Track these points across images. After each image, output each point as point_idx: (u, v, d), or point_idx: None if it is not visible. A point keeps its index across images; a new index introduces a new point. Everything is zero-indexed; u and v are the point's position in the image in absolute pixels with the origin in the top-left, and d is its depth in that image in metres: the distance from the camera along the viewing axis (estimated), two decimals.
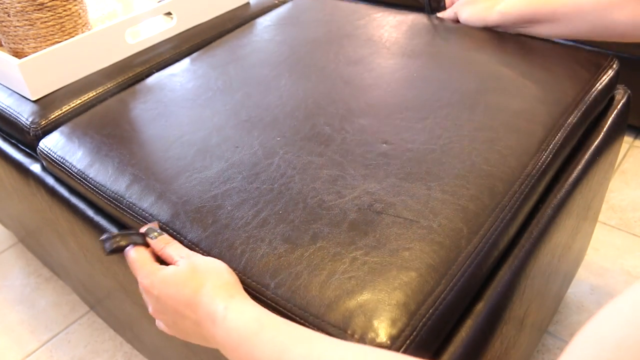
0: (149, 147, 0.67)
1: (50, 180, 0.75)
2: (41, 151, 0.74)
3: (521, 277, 0.56)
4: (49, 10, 0.85)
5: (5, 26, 0.85)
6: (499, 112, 0.65)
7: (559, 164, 0.64)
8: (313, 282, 0.48)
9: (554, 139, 0.62)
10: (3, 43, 0.90)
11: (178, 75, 0.83)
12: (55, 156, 0.72)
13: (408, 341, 0.44)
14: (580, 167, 0.67)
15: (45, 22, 0.85)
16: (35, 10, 0.83)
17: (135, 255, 0.53)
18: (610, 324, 0.27)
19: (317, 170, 0.59)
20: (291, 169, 0.60)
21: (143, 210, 0.60)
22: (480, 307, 0.51)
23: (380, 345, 0.43)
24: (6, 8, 0.83)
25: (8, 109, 0.84)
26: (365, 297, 0.46)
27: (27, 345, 1.08)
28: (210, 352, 0.61)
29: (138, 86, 0.82)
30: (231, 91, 0.76)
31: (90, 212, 0.69)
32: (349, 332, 0.44)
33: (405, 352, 0.44)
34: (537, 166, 0.59)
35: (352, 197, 0.55)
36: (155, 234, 0.55)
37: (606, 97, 0.74)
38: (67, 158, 0.70)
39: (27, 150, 0.83)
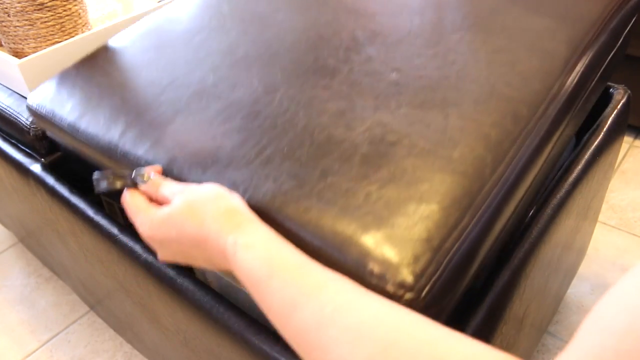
0: (141, 93, 0.64)
1: (50, 180, 0.75)
2: (29, 107, 0.71)
3: (521, 276, 0.56)
4: (49, 10, 0.85)
5: (5, 26, 0.85)
6: (517, 32, 0.61)
7: (588, 87, 0.59)
8: (324, 218, 0.45)
9: (581, 58, 0.57)
10: (3, 43, 0.90)
11: (168, 18, 0.78)
12: (44, 111, 0.68)
13: (433, 279, 0.41)
14: (580, 167, 0.67)
15: (45, 22, 0.85)
16: (35, 10, 0.83)
17: (130, 200, 0.49)
18: (613, 311, 0.26)
19: (323, 104, 0.55)
20: (295, 104, 0.56)
21: (138, 158, 0.57)
22: (480, 307, 0.51)
23: (403, 285, 0.40)
24: (6, 8, 0.83)
25: (8, 109, 0.84)
26: (383, 233, 0.43)
27: (27, 345, 1.08)
28: (212, 352, 0.61)
29: (126, 32, 0.78)
30: (225, 30, 0.71)
31: (90, 212, 0.69)
32: (367, 269, 0.41)
33: (429, 292, 0.41)
34: (564, 88, 0.55)
35: (362, 130, 0.51)
36: (145, 176, 0.50)
37: (637, 11, 0.68)
38: (56, 111, 0.67)
39: (27, 150, 0.83)
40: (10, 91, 0.87)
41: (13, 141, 0.86)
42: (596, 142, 0.70)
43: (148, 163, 0.56)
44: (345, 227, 0.43)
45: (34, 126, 0.80)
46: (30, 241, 1.14)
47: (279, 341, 0.49)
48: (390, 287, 0.40)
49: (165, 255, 0.47)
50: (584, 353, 0.26)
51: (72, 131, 0.64)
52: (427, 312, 0.40)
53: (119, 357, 1.04)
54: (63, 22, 0.87)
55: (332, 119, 0.53)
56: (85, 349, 1.06)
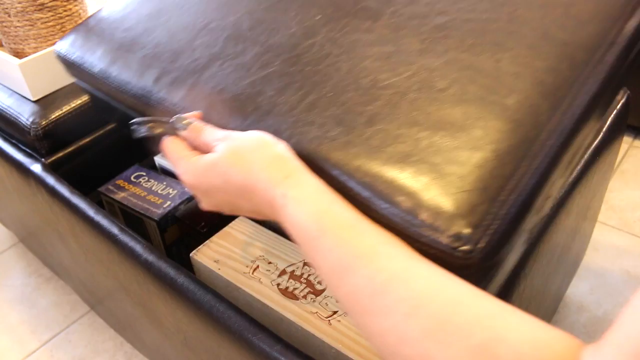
0: (174, 38, 0.61)
1: (50, 181, 0.76)
2: (58, 54, 0.69)
3: (520, 277, 0.56)
4: (49, 11, 0.85)
5: (5, 26, 0.86)
6: None
7: None
8: (373, 166, 0.43)
9: None
10: (4, 43, 0.90)
11: None
12: (73, 57, 0.66)
13: (489, 231, 0.39)
14: (579, 167, 0.67)
15: (46, 22, 0.85)
16: (35, 10, 0.83)
17: (172, 146, 0.47)
18: None
19: (367, 48, 0.53)
20: (337, 48, 0.53)
21: (175, 105, 0.55)
22: None
23: (459, 237, 0.39)
24: (7, 8, 0.83)
25: (8, 109, 0.84)
26: (436, 182, 0.41)
27: (28, 345, 1.08)
28: (212, 352, 0.61)
29: None
30: None
31: (90, 212, 0.69)
32: (420, 220, 0.40)
33: (485, 245, 0.39)
34: (623, 33, 0.52)
35: (409, 75, 0.49)
36: (185, 122, 0.48)
37: None
38: (86, 58, 0.65)
39: (27, 150, 0.84)
40: (11, 91, 0.87)
41: (14, 141, 0.87)
42: (595, 142, 0.70)
43: (185, 110, 0.53)
44: (396, 175, 0.42)
45: (35, 126, 0.80)
46: (30, 241, 1.15)
47: (279, 341, 0.50)
48: (444, 239, 0.39)
49: (208, 204, 0.46)
50: (626, 338, 0.26)
51: (103, 77, 0.62)
52: (481, 266, 0.39)
53: (119, 357, 1.04)
54: (63, 23, 0.87)
55: (376, 63, 0.51)
56: (86, 349, 1.06)
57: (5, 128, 0.86)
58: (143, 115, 0.59)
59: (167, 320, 0.66)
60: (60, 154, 0.82)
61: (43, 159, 0.81)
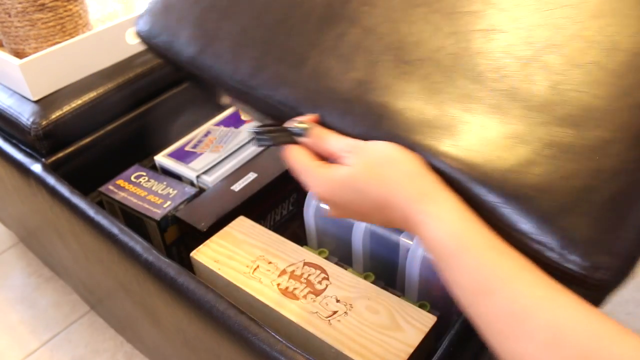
0: (260, 21, 0.55)
1: (51, 181, 0.76)
2: (140, 35, 0.63)
3: None
4: (49, 11, 0.85)
5: (6, 27, 0.86)
6: None
7: None
8: (497, 172, 0.40)
9: None
10: (4, 43, 0.90)
11: None
12: (158, 41, 0.61)
13: (622, 256, 0.37)
14: None
15: (46, 22, 0.85)
16: (36, 10, 0.84)
17: (298, 156, 0.46)
18: None
19: (479, 27, 0.47)
20: (448, 26, 0.47)
21: (279, 103, 0.50)
22: None
23: (595, 266, 0.37)
24: (7, 8, 0.83)
25: (9, 109, 0.84)
26: (568, 201, 0.38)
27: (28, 345, 1.08)
28: (212, 352, 0.61)
29: None
30: None
31: (90, 212, 0.69)
32: (550, 242, 0.38)
33: (619, 272, 0.38)
34: None
35: (524, 64, 0.44)
36: (303, 126, 0.46)
37: None
38: (173, 44, 0.59)
39: (28, 150, 0.84)
40: (11, 91, 0.87)
41: (14, 141, 0.87)
42: None
43: (291, 110, 0.50)
44: (521, 184, 0.39)
45: (35, 126, 0.80)
46: (31, 241, 1.15)
47: (279, 341, 0.50)
48: (580, 267, 0.38)
49: (339, 214, 0.46)
50: None
51: (194, 67, 0.57)
52: (610, 289, 0.38)
53: (119, 357, 1.04)
54: (64, 23, 0.87)
55: (486, 44, 0.46)
56: (86, 349, 1.06)
57: (6, 128, 0.86)
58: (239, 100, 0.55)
59: (167, 320, 0.66)
60: (61, 154, 0.82)
61: (43, 159, 0.81)
